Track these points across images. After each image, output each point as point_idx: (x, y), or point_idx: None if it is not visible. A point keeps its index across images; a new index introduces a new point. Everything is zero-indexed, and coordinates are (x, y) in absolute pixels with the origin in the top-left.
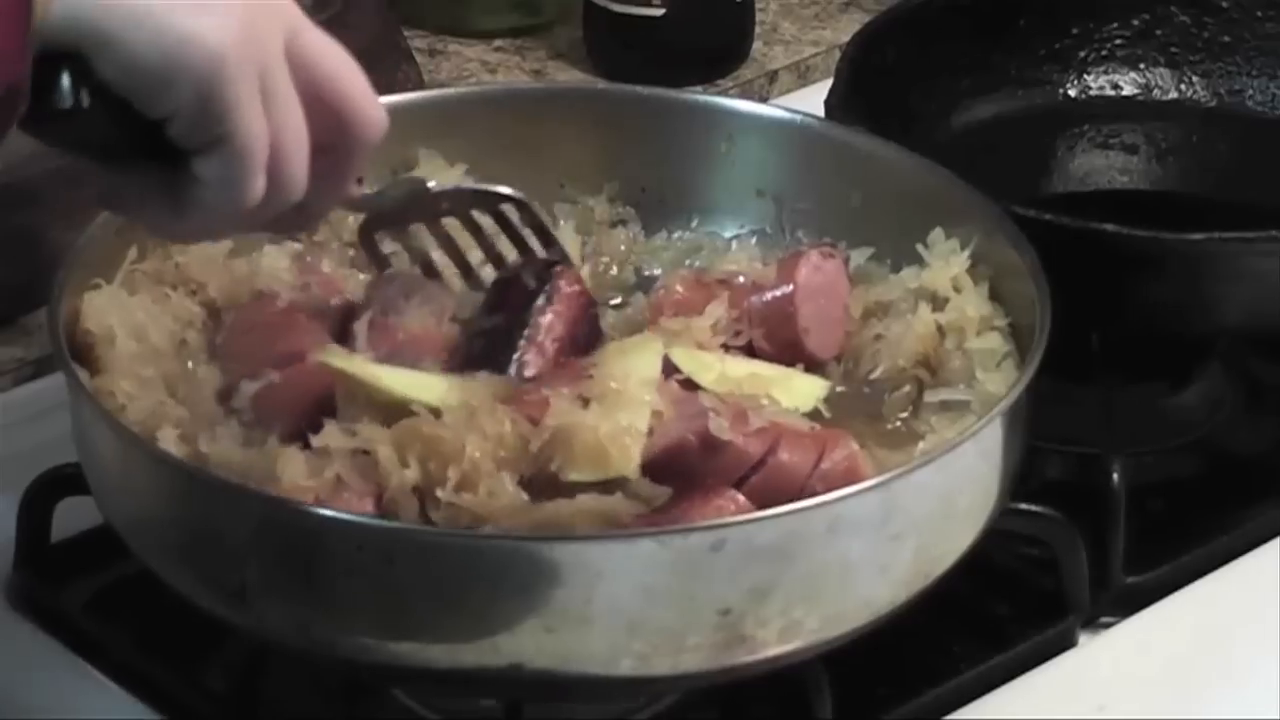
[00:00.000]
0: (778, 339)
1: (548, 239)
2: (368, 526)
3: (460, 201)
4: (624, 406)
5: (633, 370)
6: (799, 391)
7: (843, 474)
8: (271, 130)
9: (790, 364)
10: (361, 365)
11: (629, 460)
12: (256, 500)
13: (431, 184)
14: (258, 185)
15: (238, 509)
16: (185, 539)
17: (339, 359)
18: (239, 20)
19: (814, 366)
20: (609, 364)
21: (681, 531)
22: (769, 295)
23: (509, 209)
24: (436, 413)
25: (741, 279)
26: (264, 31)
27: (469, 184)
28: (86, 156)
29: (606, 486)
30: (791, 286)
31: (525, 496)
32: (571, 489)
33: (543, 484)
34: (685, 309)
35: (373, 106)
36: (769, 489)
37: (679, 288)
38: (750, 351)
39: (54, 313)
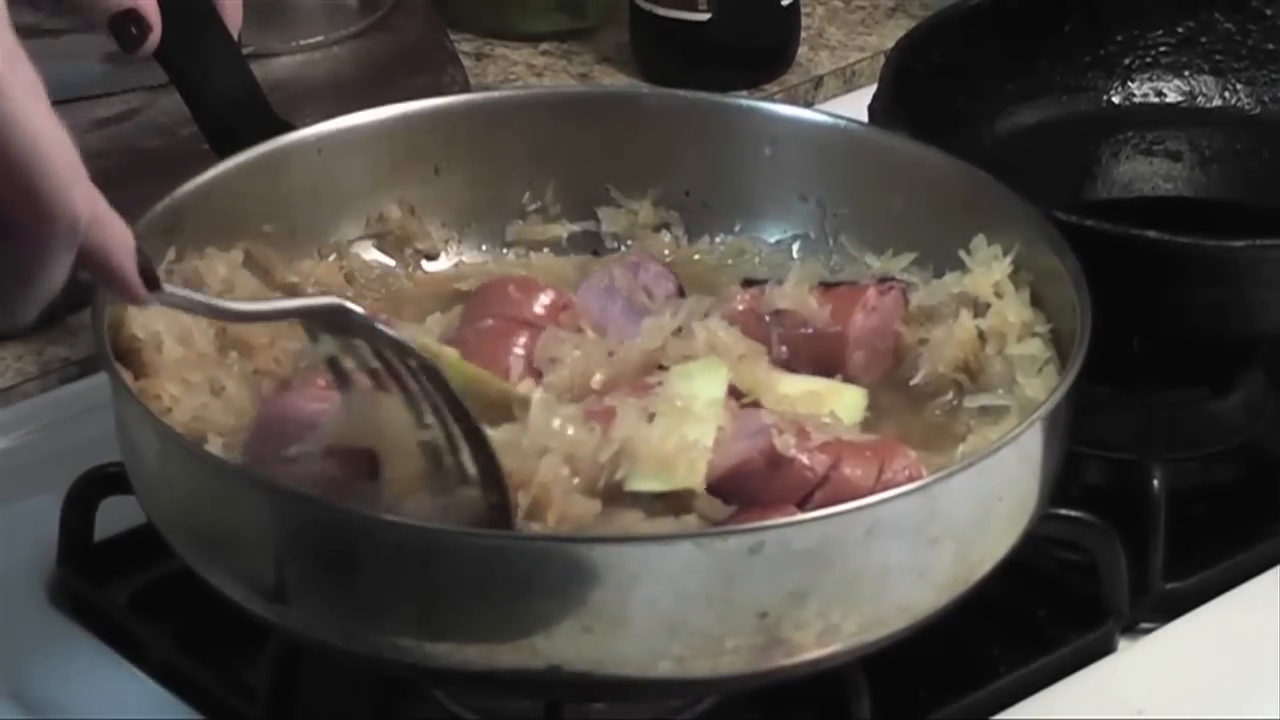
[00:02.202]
0: (823, 368)
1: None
2: (407, 527)
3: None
4: (690, 422)
5: (699, 391)
6: (846, 404)
7: (905, 484)
8: None
9: None
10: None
11: (695, 473)
12: (297, 500)
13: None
14: None
15: (278, 509)
16: (225, 538)
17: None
18: None
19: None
20: (674, 384)
21: (720, 534)
22: (820, 331)
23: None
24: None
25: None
26: None
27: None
28: None
29: (672, 504)
30: (842, 328)
31: (597, 507)
32: (636, 503)
33: (610, 496)
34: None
35: (63, 196)
36: (833, 505)
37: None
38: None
39: (98, 314)
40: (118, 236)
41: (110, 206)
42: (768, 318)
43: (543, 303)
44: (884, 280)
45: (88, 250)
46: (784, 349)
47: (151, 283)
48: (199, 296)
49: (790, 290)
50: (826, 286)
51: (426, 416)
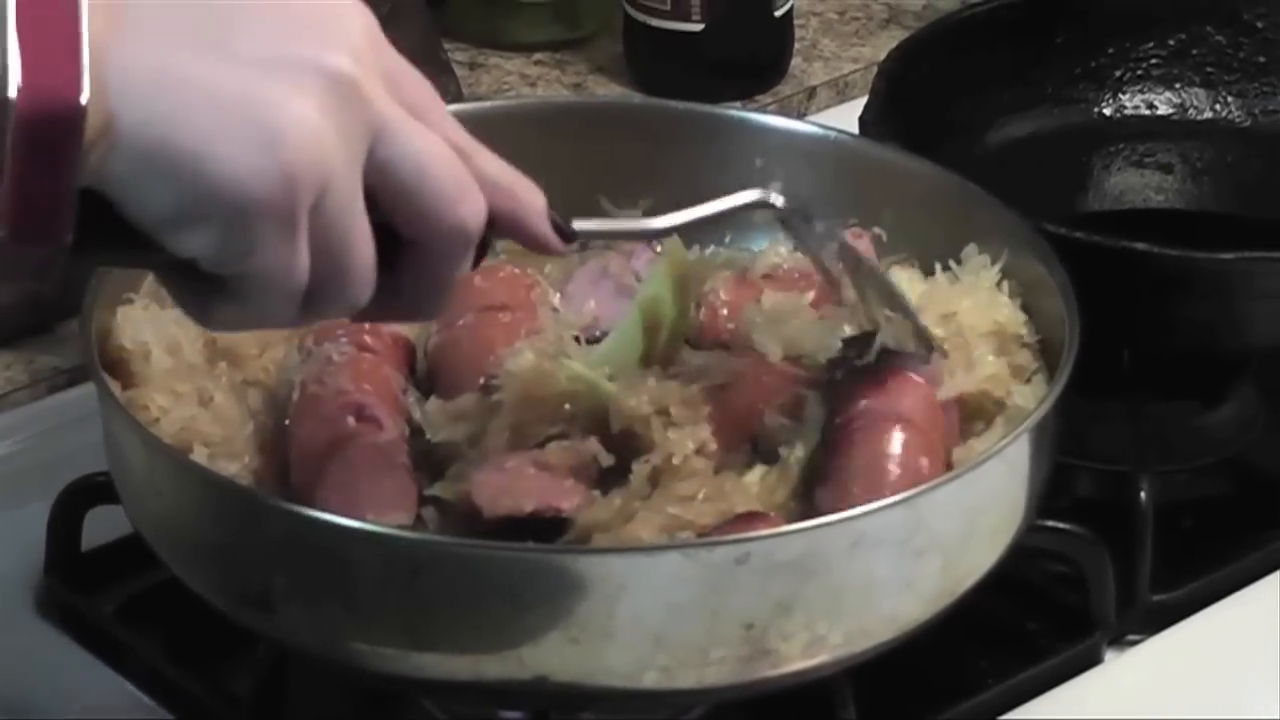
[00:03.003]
0: None
1: None
2: (395, 538)
3: None
4: None
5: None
6: None
7: None
8: (317, 257)
9: None
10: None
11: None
12: (284, 512)
13: None
14: (285, 311)
15: (266, 520)
16: (213, 549)
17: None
18: (291, 150)
19: None
20: None
21: (706, 545)
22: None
23: None
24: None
25: (784, 268)
26: (322, 154)
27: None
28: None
29: None
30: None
31: None
32: None
33: None
34: (735, 311)
35: (450, 214)
36: None
37: (723, 293)
38: None
39: (86, 324)
40: (527, 203)
41: (517, 171)
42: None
43: (512, 284)
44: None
45: (501, 221)
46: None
47: (567, 235)
48: (617, 224)
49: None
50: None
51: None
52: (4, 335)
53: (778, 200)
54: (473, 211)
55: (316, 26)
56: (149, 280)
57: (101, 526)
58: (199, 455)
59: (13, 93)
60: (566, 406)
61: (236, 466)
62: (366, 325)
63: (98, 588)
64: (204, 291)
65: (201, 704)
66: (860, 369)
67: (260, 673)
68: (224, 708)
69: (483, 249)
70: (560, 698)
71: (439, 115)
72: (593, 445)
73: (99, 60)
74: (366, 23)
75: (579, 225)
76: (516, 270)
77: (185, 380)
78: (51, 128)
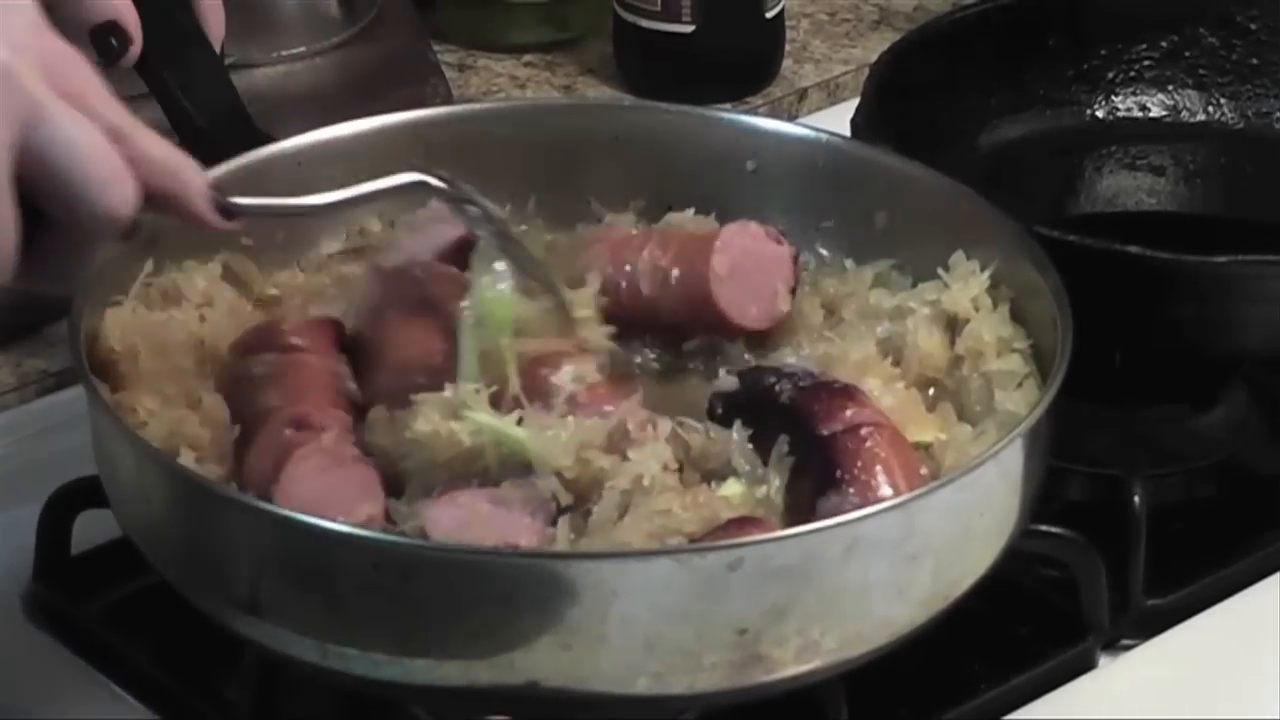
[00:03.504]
0: (691, 282)
1: None
2: (384, 543)
3: None
4: None
5: None
6: None
7: None
8: None
9: (711, 333)
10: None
11: None
12: (273, 516)
13: None
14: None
15: (254, 524)
16: (201, 553)
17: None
18: None
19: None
20: None
21: (699, 551)
22: (689, 239)
23: None
24: None
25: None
26: None
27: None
28: None
29: None
30: (710, 238)
31: None
32: None
33: None
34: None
35: (99, 199)
36: None
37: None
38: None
39: (74, 327)
40: (187, 182)
41: (178, 151)
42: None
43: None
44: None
45: (161, 200)
46: (658, 251)
47: (227, 211)
48: (276, 201)
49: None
50: None
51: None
52: None
53: (435, 182)
54: (121, 198)
55: None
56: (138, 282)
57: (91, 530)
58: (186, 459)
59: None
60: (482, 460)
61: (224, 470)
62: (286, 324)
63: (87, 592)
64: None
65: (191, 709)
66: (816, 385)
67: (250, 679)
68: (214, 713)
69: (132, 226)
70: (552, 703)
71: (99, 99)
72: (550, 483)
73: None
74: (28, 12)
75: (239, 202)
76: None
77: (173, 383)
78: None
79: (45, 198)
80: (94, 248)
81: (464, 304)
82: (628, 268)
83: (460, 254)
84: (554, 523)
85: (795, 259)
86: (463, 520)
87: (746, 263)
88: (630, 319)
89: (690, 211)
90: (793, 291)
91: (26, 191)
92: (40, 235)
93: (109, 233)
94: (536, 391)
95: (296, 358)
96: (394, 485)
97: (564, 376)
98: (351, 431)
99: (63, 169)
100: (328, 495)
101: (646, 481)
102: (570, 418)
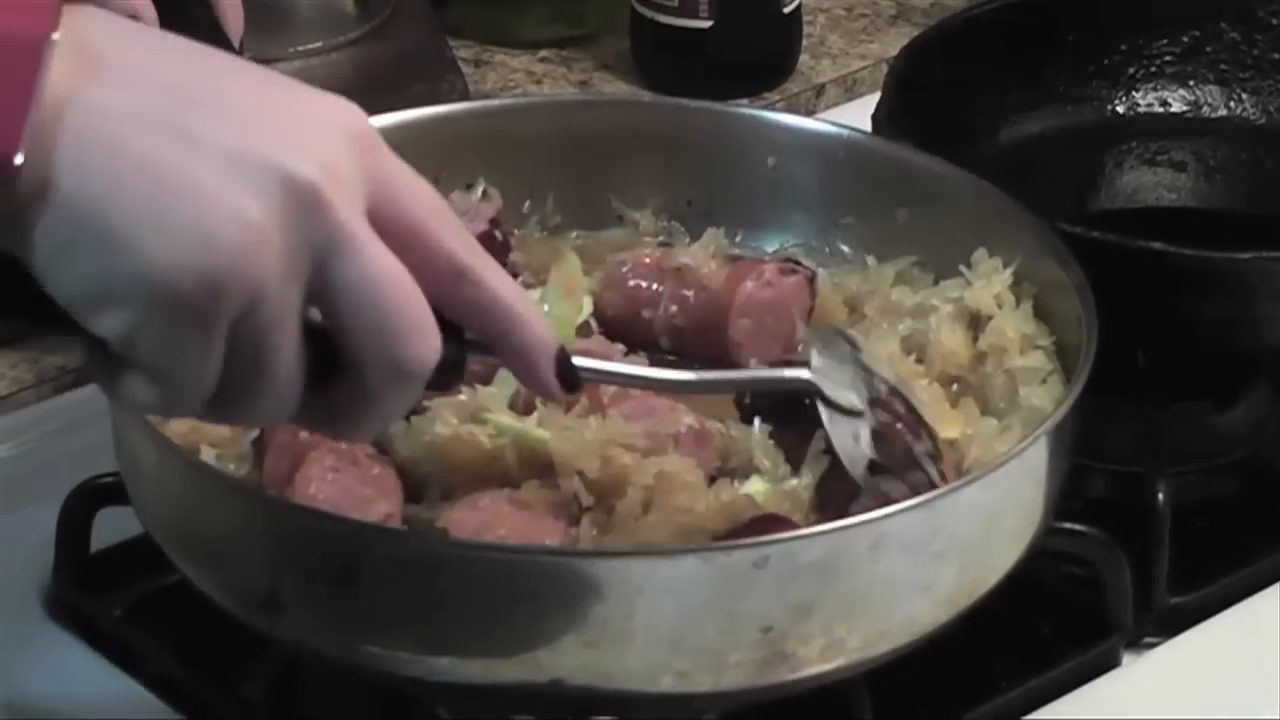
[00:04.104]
0: (707, 331)
1: None
2: (410, 540)
3: None
4: None
5: None
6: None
7: None
8: (232, 365)
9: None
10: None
11: None
12: (296, 513)
13: None
14: (190, 407)
15: (277, 521)
16: (223, 550)
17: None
18: (224, 254)
19: None
20: None
21: (724, 549)
22: (710, 291)
23: None
24: None
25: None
26: (258, 264)
27: None
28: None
29: None
30: (731, 292)
31: None
32: None
33: None
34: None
35: (394, 352)
36: None
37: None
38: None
39: None
40: (538, 341)
41: (530, 301)
42: (664, 273)
43: None
44: (788, 261)
45: (508, 353)
46: (673, 307)
47: (572, 384)
48: (633, 371)
49: (696, 250)
50: (733, 259)
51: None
52: (10, 335)
53: (823, 388)
54: (420, 355)
55: (293, 125)
56: None
57: (110, 528)
58: (205, 456)
59: None
60: (502, 462)
61: (246, 468)
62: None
63: (107, 589)
64: (116, 367)
65: (211, 706)
66: None
67: (271, 676)
68: (234, 710)
69: (453, 375)
70: (575, 701)
71: (442, 233)
72: (573, 483)
73: (53, 120)
74: (358, 126)
75: (586, 366)
76: None
77: None
78: None
79: (339, 339)
80: (388, 404)
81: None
82: (645, 313)
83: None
84: (577, 523)
85: (812, 280)
86: (484, 523)
87: (765, 315)
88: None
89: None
90: (810, 310)
91: (325, 330)
92: (336, 379)
93: (403, 389)
94: None
95: None
96: (413, 492)
97: None
98: None
99: (358, 311)
100: (343, 495)
101: (670, 478)
102: (591, 417)
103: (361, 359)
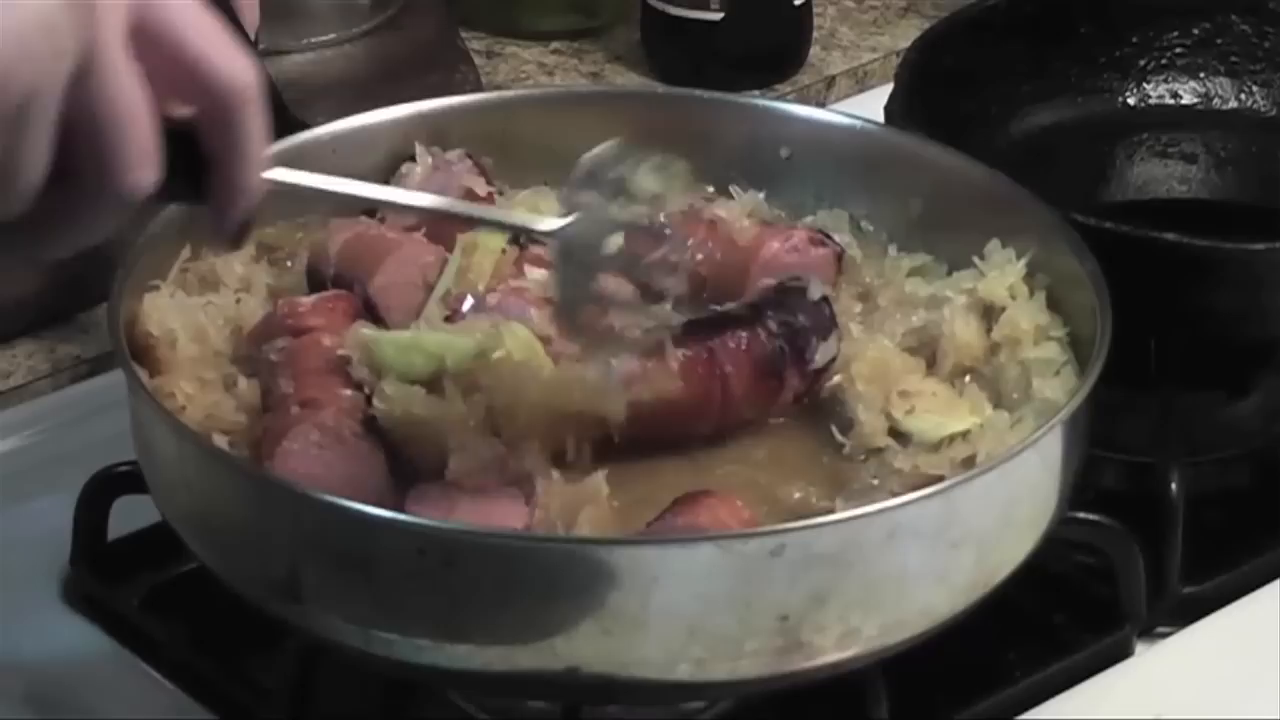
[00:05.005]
0: (725, 284)
1: None
2: (429, 529)
3: None
4: None
5: None
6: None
7: None
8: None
9: None
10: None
11: None
12: (315, 501)
13: None
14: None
15: (297, 511)
16: (243, 538)
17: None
18: (20, 29)
19: None
20: None
21: (741, 537)
22: (738, 247)
23: None
24: None
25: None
26: (35, 62)
27: None
28: None
29: None
30: (756, 248)
31: None
32: None
33: None
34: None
35: (118, 176)
36: None
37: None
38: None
39: (114, 313)
40: (242, 183)
41: (261, 148)
42: (698, 223)
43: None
44: (820, 233)
45: (214, 181)
46: (699, 255)
47: (239, 239)
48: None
49: (732, 206)
50: (767, 224)
51: None
52: (25, 325)
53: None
54: (136, 183)
55: None
56: (175, 268)
57: (127, 516)
58: (218, 443)
59: None
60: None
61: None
62: (302, 305)
63: (124, 578)
64: None
65: (228, 694)
66: None
67: (289, 663)
68: (250, 698)
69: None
70: (592, 689)
71: (207, 49)
72: (528, 460)
73: None
74: None
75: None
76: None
77: (211, 367)
78: None
79: (71, 148)
80: (97, 217)
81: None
82: (672, 258)
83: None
84: (532, 499)
85: (840, 257)
86: (445, 515)
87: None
88: None
89: (749, 194)
90: (833, 287)
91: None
92: (58, 187)
93: (116, 207)
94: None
95: (308, 339)
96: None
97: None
98: (361, 410)
99: (94, 129)
100: (327, 471)
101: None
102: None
103: (84, 171)
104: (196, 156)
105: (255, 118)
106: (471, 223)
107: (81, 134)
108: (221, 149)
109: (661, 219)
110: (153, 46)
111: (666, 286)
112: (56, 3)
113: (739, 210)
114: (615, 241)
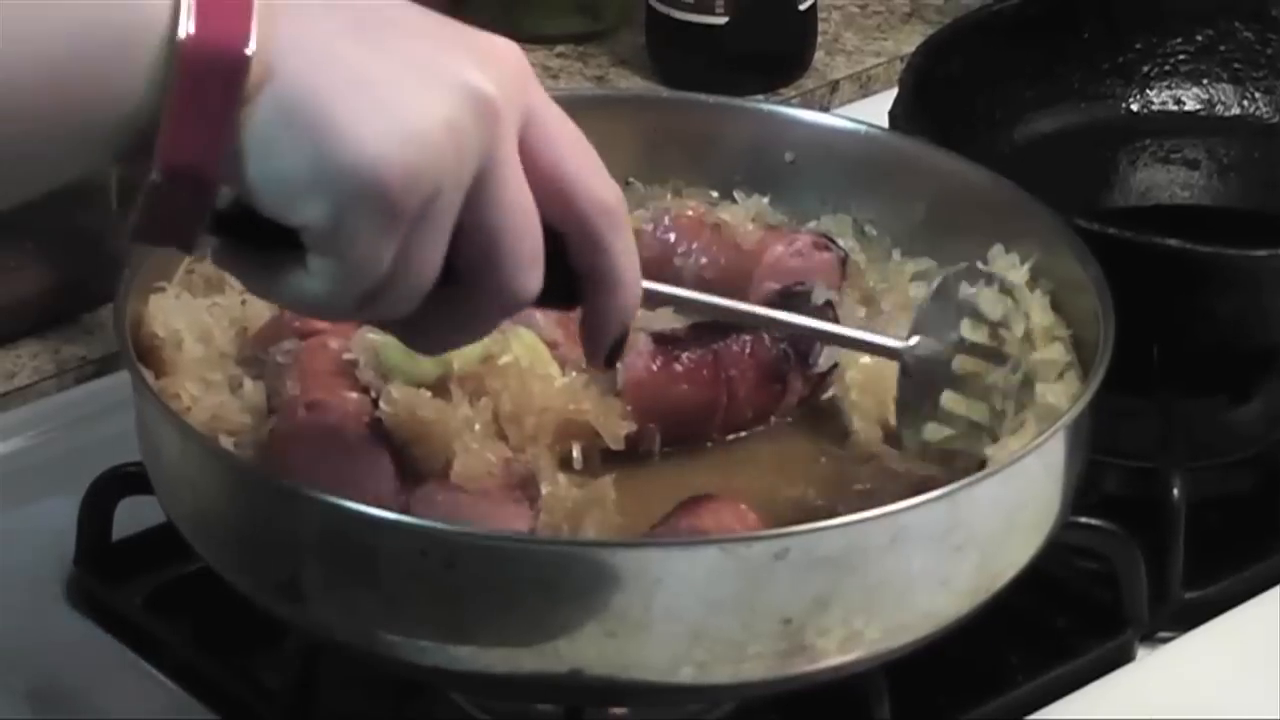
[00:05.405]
0: (728, 286)
1: None
2: (432, 530)
3: None
4: None
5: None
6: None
7: None
8: (397, 259)
9: None
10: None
11: None
12: (319, 503)
13: None
14: (348, 301)
15: (301, 511)
16: (246, 539)
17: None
18: (420, 150)
19: None
20: None
21: (745, 540)
22: (742, 251)
23: None
24: None
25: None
26: (444, 164)
27: None
28: None
29: None
30: (761, 253)
31: None
32: None
33: None
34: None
35: (507, 278)
36: None
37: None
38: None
39: (120, 314)
40: (624, 310)
41: (635, 271)
42: (702, 226)
43: None
44: (824, 237)
45: (590, 306)
46: (703, 259)
47: (612, 361)
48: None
49: (736, 210)
50: (772, 228)
51: None
52: (30, 325)
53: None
54: (526, 288)
55: (471, 49)
56: (181, 269)
57: (130, 517)
58: (224, 444)
59: (182, 35)
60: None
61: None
62: None
63: (127, 578)
64: (280, 265)
65: (232, 694)
66: None
67: (292, 664)
68: (254, 698)
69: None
70: (595, 691)
71: (578, 174)
72: (534, 464)
73: (268, 21)
74: (520, 59)
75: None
76: None
77: (216, 368)
78: (214, 74)
79: (462, 254)
80: (479, 323)
81: None
82: (676, 261)
83: None
84: (536, 502)
85: (844, 262)
86: (447, 516)
87: (791, 280)
88: None
89: (753, 198)
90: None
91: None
92: (442, 296)
93: (497, 313)
94: None
95: (314, 342)
96: (407, 473)
97: None
98: (367, 414)
99: (489, 234)
100: (330, 474)
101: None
102: None
103: (473, 277)
104: (565, 267)
105: (627, 239)
106: (827, 338)
107: (473, 238)
108: (591, 269)
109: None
110: (530, 157)
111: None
112: (466, 107)
113: (743, 214)
114: (962, 363)
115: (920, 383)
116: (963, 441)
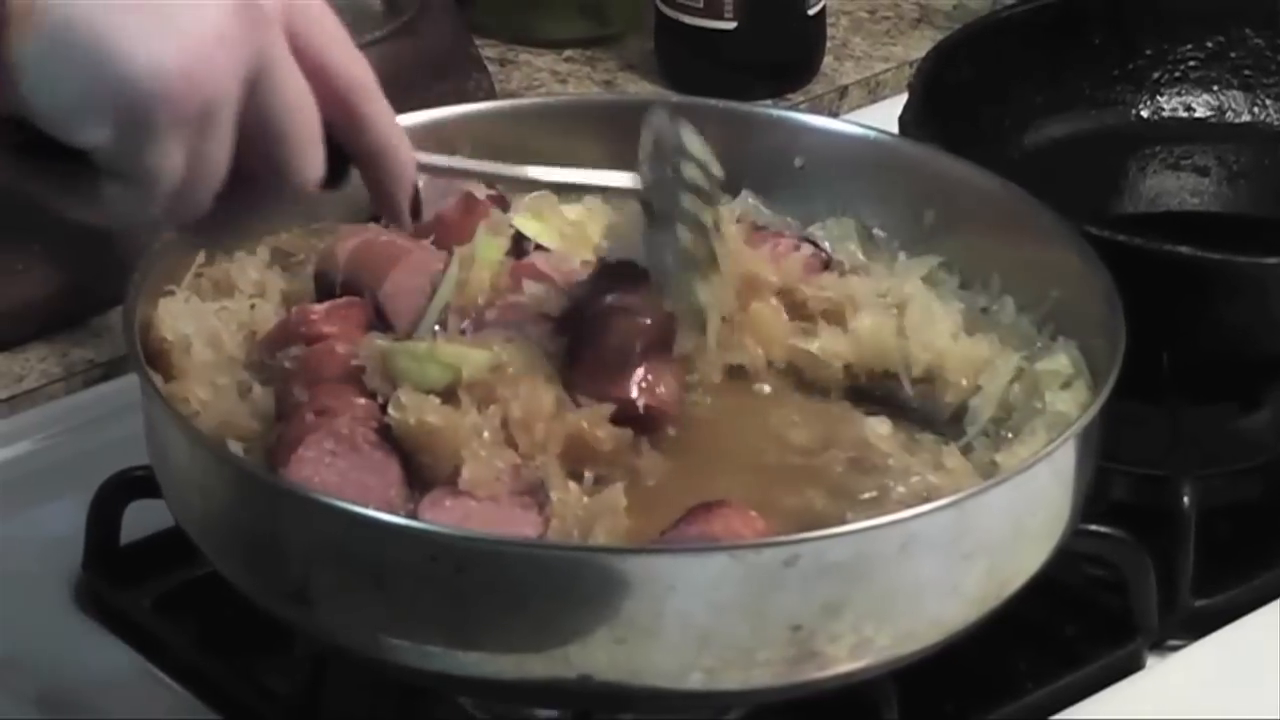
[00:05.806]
0: None
1: None
2: (440, 536)
3: None
4: None
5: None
6: None
7: None
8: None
9: None
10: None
11: None
12: (328, 508)
13: None
14: (151, 206)
15: (309, 516)
16: (256, 544)
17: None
18: (194, 57)
19: None
20: None
21: (755, 546)
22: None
23: None
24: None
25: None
26: (218, 68)
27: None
28: None
29: None
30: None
31: None
32: None
33: None
34: None
35: (290, 172)
36: None
37: None
38: None
39: (129, 318)
40: (399, 171)
41: (400, 134)
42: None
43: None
44: (807, 240)
45: (376, 173)
46: None
47: (417, 212)
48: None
49: (721, 210)
50: (759, 228)
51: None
52: (38, 329)
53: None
54: (307, 175)
55: None
56: (190, 273)
57: (138, 521)
58: (232, 449)
59: None
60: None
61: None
62: (314, 313)
63: (135, 582)
64: (80, 183)
65: (239, 698)
66: None
67: (300, 669)
68: (261, 702)
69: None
70: (604, 697)
71: (343, 58)
72: (543, 471)
73: None
74: None
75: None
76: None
77: (225, 372)
78: None
79: (248, 148)
80: (260, 205)
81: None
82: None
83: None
84: (546, 508)
85: (827, 265)
86: (458, 523)
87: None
88: None
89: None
90: None
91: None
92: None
93: (282, 199)
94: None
95: (322, 347)
96: (414, 479)
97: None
98: (375, 419)
99: (269, 129)
100: (341, 480)
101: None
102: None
103: (255, 170)
104: (335, 149)
105: (385, 107)
106: (563, 189)
107: (256, 133)
108: (358, 143)
109: None
110: (297, 50)
111: None
112: (230, 15)
113: (728, 215)
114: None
115: (661, 221)
116: (689, 278)
